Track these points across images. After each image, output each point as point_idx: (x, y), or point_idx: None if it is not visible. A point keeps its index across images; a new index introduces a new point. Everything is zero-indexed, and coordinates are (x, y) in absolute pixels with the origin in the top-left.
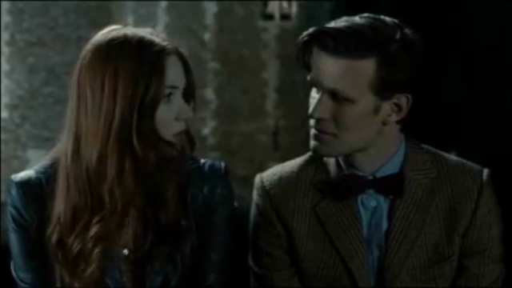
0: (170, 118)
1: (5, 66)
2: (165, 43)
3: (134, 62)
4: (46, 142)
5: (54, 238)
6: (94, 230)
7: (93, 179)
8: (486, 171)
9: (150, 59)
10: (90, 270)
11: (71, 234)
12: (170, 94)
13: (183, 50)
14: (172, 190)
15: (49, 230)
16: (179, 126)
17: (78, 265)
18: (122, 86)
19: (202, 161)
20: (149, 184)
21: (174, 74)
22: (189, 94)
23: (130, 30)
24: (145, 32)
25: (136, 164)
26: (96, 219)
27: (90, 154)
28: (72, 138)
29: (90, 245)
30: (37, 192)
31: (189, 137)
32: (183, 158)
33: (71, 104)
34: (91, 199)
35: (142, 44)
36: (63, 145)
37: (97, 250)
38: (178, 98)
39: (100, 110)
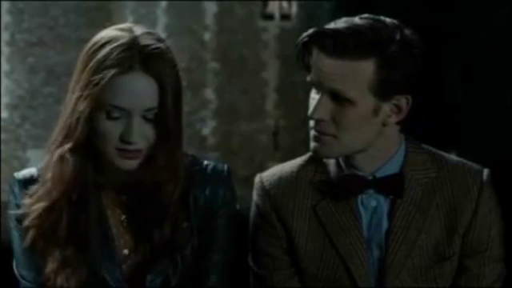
0: (112, 133)
1: (5, 66)
2: (133, 60)
3: (95, 66)
4: (45, 142)
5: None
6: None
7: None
8: (486, 171)
9: (108, 69)
10: (27, 238)
11: None
12: (116, 113)
13: (166, 74)
14: (174, 202)
15: None
16: (121, 145)
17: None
18: (79, 86)
19: (205, 162)
20: (146, 191)
21: (124, 96)
22: (159, 121)
23: (130, 34)
24: (139, 38)
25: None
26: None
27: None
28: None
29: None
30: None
31: (172, 163)
32: (172, 184)
33: None
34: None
35: (113, 51)
36: None
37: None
38: (129, 120)
39: (64, 107)
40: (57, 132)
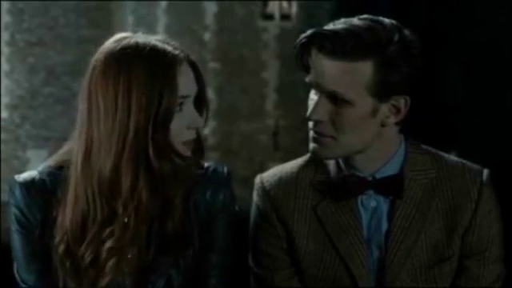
0: (181, 126)
1: (5, 66)
2: (176, 52)
3: (146, 73)
4: (46, 142)
5: (62, 248)
6: (108, 243)
7: (105, 191)
8: (485, 171)
9: (162, 70)
10: (104, 281)
11: (81, 244)
12: (181, 104)
13: (194, 58)
14: (179, 199)
15: (56, 239)
16: (189, 135)
17: (88, 275)
18: (135, 97)
19: (206, 165)
20: (159, 194)
21: (185, 83)
22: (200, 102)
23: (141, 38)
24: (156, 40)
25: (151, 177)
26: (108, 231)
27: (103, 164)
28: (83, 146)
29: (104, 255)
30: (40, 193)
31: (199, 145)
32: (192, 167)
33: (81, 113)
34: (102, 210)
35: (154, 53)
36: (73, 151)
37: (111, 263)
38: (189, 106)
39: (114, 120)
40: (125, 153)
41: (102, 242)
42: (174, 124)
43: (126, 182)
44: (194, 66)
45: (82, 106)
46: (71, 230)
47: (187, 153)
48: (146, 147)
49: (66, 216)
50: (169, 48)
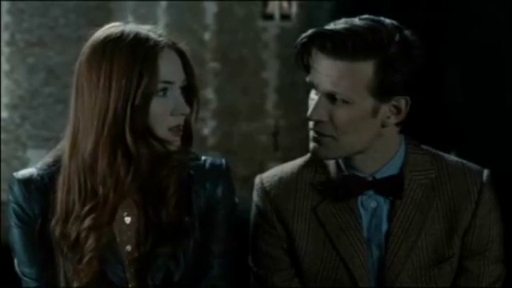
0: (164, 112)
1: (5, 66)
2: (160, 39)
3: (127, 57)
4: (46, 142)
5: (58, 230)
6: (87, 221)
7: (86, 171)
8: (486, 172)
9: (142, 54)
10: (85, 259)
11: (68, 224)
12: (165, 89)
13: (182, 47)
14: (173, 188)
15: (53, 223)
16: (174, 121)
17: (75, 253)
18: (115, 80)
19: (203, 158)
20: (148, 181)
21: (168, 70)
22: (189, 90)
23: (129, 27)
24: (142, 28)
25: (128, 158)
26: (87, 208)
27: (85, 146)
28: (70, 132)
29: (83, 234)
30: (39, 188)
31: (186, 132)
32: (181, 153)
33: (71, 101)
34: (85, 190)
35: (137, 39)
36: (64, 141)
37: (90, 240)
38: (174, 93)
39: (95, 103)
40: (104, 134)
41: (83, 220)
42: (157, 109)
43: (103, 161)
44: (182, 54)
45: (71, 97)
46: (61, 211)
47: (174, 139)
48: (124, 130)
49: (58, 199)
50: (152, 35)
